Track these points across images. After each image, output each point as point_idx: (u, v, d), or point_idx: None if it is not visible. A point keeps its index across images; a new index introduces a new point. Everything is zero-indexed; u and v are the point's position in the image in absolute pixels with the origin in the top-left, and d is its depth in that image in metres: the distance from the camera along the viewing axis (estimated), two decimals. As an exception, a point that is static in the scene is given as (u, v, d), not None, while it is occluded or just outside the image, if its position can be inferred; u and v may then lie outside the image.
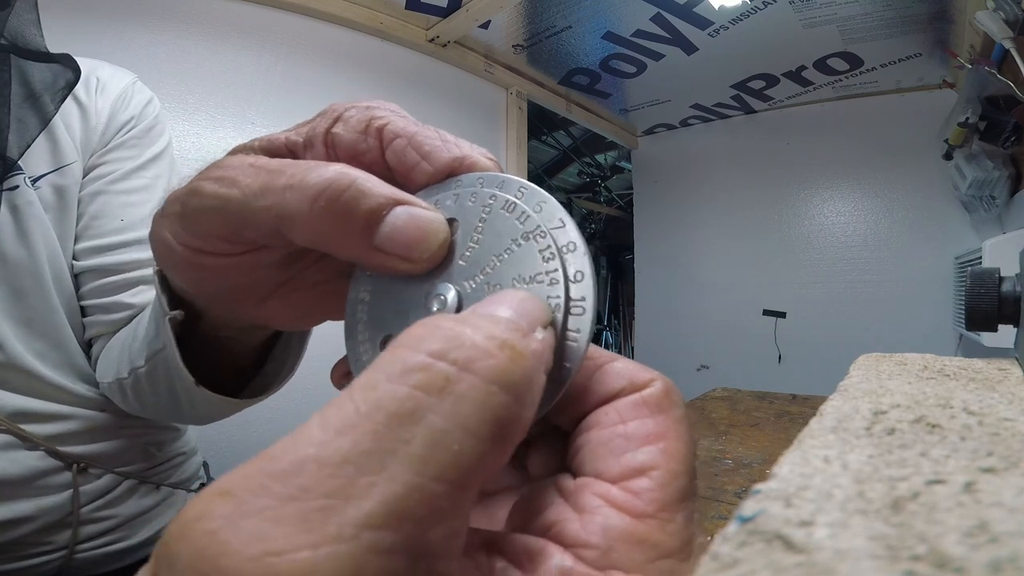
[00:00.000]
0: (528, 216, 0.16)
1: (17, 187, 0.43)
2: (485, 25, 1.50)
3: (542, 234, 0.16)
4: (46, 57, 0.43)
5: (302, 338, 0.29)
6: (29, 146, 0.42)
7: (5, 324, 0.43)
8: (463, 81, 1.68)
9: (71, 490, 0.46)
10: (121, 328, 0.46)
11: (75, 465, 0.45)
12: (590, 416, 0.15)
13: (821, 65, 1.75)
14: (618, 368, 0.15)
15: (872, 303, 1.93)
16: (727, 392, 1.04)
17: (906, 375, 0.25)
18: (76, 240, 0.47)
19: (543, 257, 0.15)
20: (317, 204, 0.15)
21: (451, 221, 0.17)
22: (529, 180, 0.17)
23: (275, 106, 1.26)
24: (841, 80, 1.85)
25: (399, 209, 0.15)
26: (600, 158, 3.60)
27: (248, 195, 0.16)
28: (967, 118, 1.37)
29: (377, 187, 0.15)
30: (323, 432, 0.10)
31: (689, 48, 1.65)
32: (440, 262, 0.16)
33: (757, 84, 1.93)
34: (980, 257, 1.30)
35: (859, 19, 1.47)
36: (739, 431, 0.79)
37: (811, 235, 2.08)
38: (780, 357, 2.10)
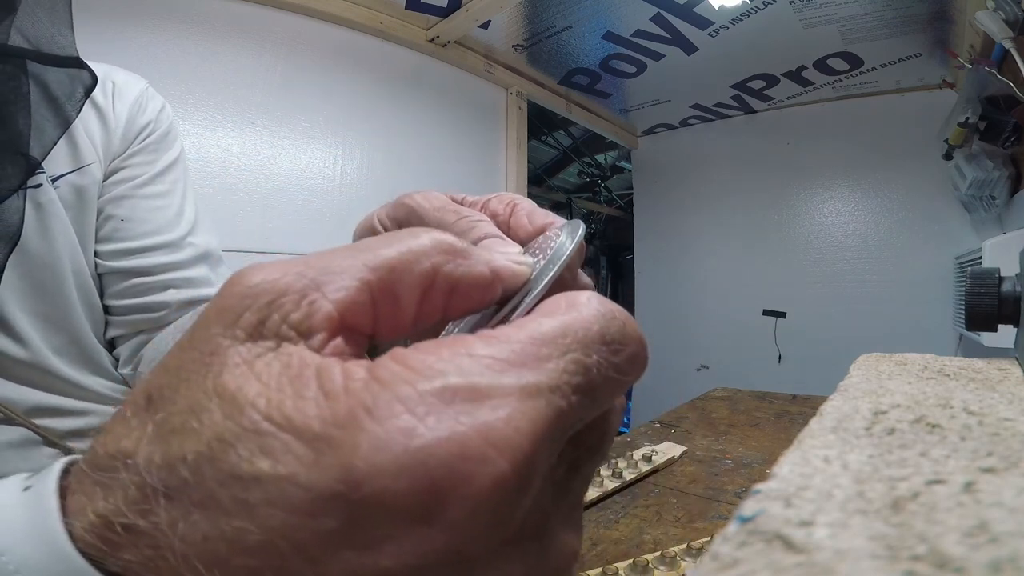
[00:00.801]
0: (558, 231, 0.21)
1: (40, 185, 0.44)
2: (485, 25, 1.50)
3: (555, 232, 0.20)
4: (61, 62, 0.44)
5: None
6: (51, 148, 0.42)
7: (25, 319, 0.44)
8: (463, 81, 1.68)
9: None
10: (148, 328, 0.48)
11: None
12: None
13: (821, 65, 1.75)
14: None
15: (872, 303, 1.93)
16: (727, 392, 1.04)
17: (906, 375, 0.25)
18: (103, 242, 0.49)
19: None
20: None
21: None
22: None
23: (275, 106, 1.26)
24: (841, 80, 1.85)
25: (490, 240, 0.20)
26: (600, 158, 3.60)
27: (424, 210, 0.22)
28: (967, 118, 1.37)
29: (485, 227, 0.20)
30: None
31: (689, 48, 1.65)
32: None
33: (757, 84, 1.93)
34: (980, 257, 1.30)
35: (859, 19, 1.47)
36: (739, 431, 0.79)
37: (811, 235, 2.08)
38: (780, 357, 2.10)
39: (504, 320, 0.16)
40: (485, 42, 1.64)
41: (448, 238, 0.14)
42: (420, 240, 0.14)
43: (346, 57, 1.39)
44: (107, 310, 0.49)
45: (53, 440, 0.44)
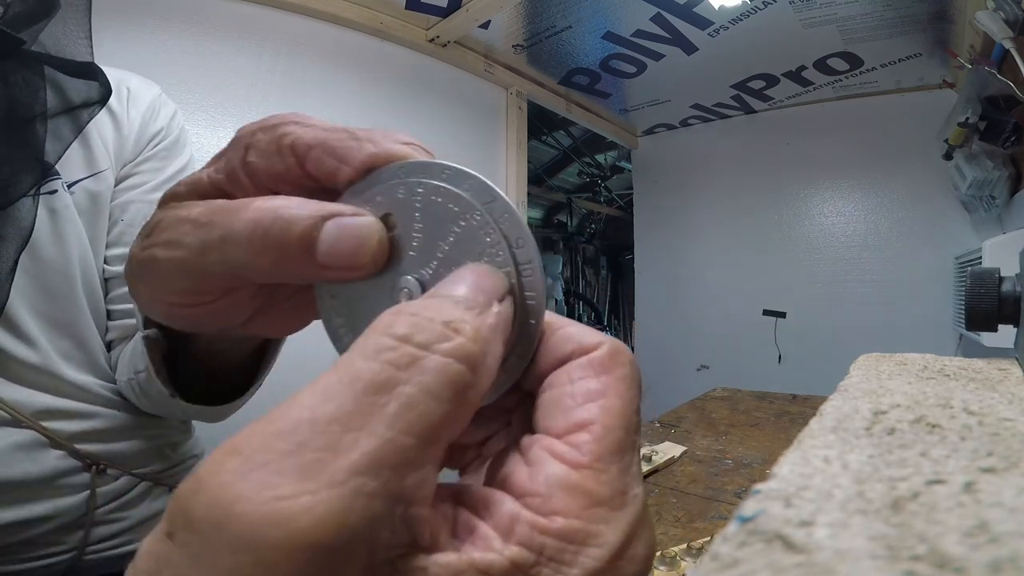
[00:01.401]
0: (459, 197, 0.17)
1: (55, 191, 0.45)
2: (485, 25, 1.50)
3: (478, 212, 0.17)
4: (78, 69, 0.44)
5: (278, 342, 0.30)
6: (64, 153, 0.43)
7: (35, 323, 0.44)
8: (463, 81, 1.68)
9: (88, 491, 0.46)
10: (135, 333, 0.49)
11: (94, 467, 0.46)
12: (547, 379, 0.16)
13: (821, 65, 1.75)
14: (570, 332, 0.17)
15: (872, 303, 1.93)
16: (727, 392, 1.04)
17: (906, 375, 0.25)
18: (109, 246, 0.50)
19: (484, 232, 0.17)
20: (253, 247, 0.16)
21: (387, 216, 0.17)
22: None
23: (275, 106, 1.26)
24: (841, 80, 1.85)
25: (328, 225, 0.16)
26: (600, 158, 3.60)
27: (195, 253, 0.17)
28: (967, 118, 1.37)
29: (299, 210, 0.16)
30: (312, 399, 0.12)
31: (689, 48, 1.65)
32: (387, 259, 0.17)
33: (757, 84, 1.93)
34: (980, 257, 1.30)
35: (859, 19, 1.47)
36: (739, 431, 0.79)
37: (811, 235, 2.08)
38: (780, 357, 2.10)
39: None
40: (485, 42, 1.64)
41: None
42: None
43: (346, 57, 1.39)
44: (108, 314, 0.50)
45: (60, 442, 0.45)
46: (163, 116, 0.54)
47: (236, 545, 0.10)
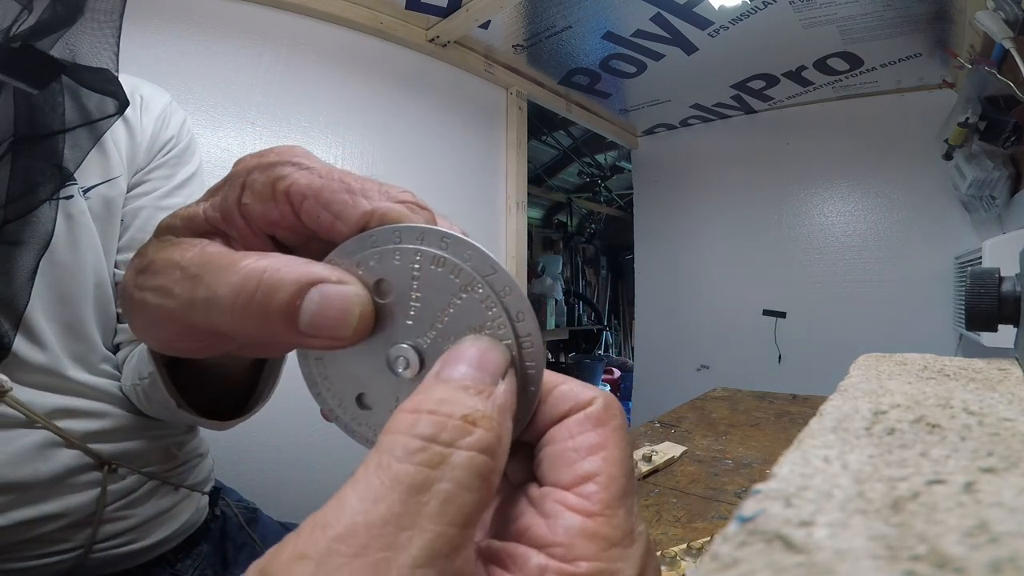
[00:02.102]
0: (460, 269, 0.17)
1: (72, 196, 0.46)
2: (485, 25, 1.50)
3: (480, 284, 0.17)
4: (96, 79, 0.45)
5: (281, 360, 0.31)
6: (82, 161, 0.44)
7: (48, 326, 0.45)
8: (463, 81, 1.68)
9: (98, 489, 0.47)
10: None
11: (106, 466, 0.47)
12: (547, 433, 0.18)
13: (821, 65, 1.75)
14: (565, 390, 0.18)
15: (872, 303, 1.93)
16: (727, 392, 1.04)
17: (906, 375, 0.25)
18: (119, 251, 0.51)
19: (485, 306, 0.17)
20: (235, 314, 0.16)
21: (380, 282, 0.17)
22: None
23: (275, 106, 1.26)
24: (841, 80, 1.85)
25: (312, 292, 0.16)
26: (600, 158, 3.60)
27: (183, 306, 0.17)
28: (967, 118, 1.37)
29: (286, 273, 0.16)
30: (361, 503, 0.13)
31: (689, 48, 1.65)
32: (375, 327, 0.17)
33: (757, 84, 1.93)
34: (980, 257, 1.30)
35: (859, 19, 1.47)
36: (739, 431, 0.79)
37: (811, 235, 2.08)
38: (780, 357, 2.10)
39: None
40: (485, 42, 1.64)
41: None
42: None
43: (346, 57, 1.39)
44: (117, 317, 0.51)
45: (73, 441, 0.45)
46: (174, 123, 0.55)
47: None
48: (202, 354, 0.20)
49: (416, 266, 0.17)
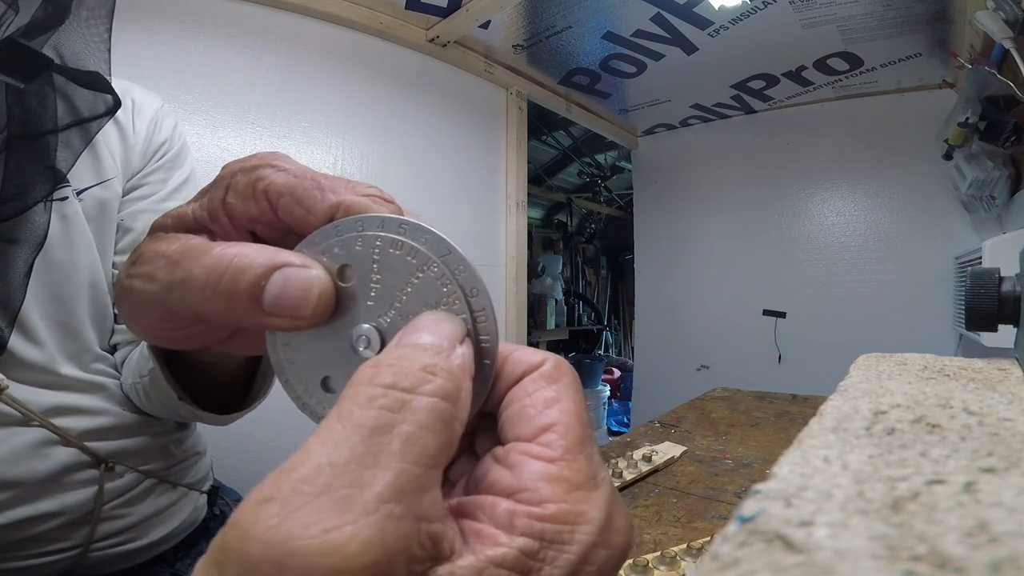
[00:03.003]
0: (417, 251, 0.18)
1: (66, 198, 0.46)
2: (485, 25, 1.50)
3: (435, 263, 0.18)
4: (88, 79, 0.46)
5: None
6: (75, 162, 0.45)
7: (43, 324, 0.46)
8: (463, 81, 1.68)
9: (95, 487, 0.47)
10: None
11: (103, 464, 0.47)
12: (506, 396, 0.19)
13: (821, 65, 1.75)
14: (518, 356, 0.19)
15: (872, 303, 1.93)
16: (727, 392, 1.04)
17: (906, 375, 0.25)
18: (120, 253, 0.52)
19: (440, 283, 0.18)
20: (206, 293, 0.18)
21: (343, 268, 0.19)
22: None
23: (275, 106, 1.26)
24: (841, 80, 1.85)
25: (275, 275, 0.17)
26: (600, 158, 3.60)
27: (164, 289, 0.18)
28: (967, 118, 1.37)
29: (254, 258, 0.18)
30: (323, 447, 0.13)
31: (689, 48, 1.65)
32: (336, 309, 0.19)
33: (757, 84, 1.93)
34: (980, 257, 1.30)
35: (859, 19, 1.47)
36: (739, 431, 0.79)
37: (811, 235, 2.08)
38: (780, 357, 2.10)
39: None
40: (485, 42, 1.64)
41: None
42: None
43: (346, 57, 1.39)
44: (115, 317, 0.52)
45: (70, 439, 0.45)
46: (166, 127, 0.56)
47: None
48: (186, 344, 0.21)
49: (376, 251, 0.18)
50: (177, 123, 0.57)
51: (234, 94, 1.20)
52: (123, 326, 0.52)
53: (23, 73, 0.40)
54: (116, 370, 0.52)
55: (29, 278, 0.42)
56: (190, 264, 0.18)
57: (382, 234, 0.18)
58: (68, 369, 0.47)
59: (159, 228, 0.20)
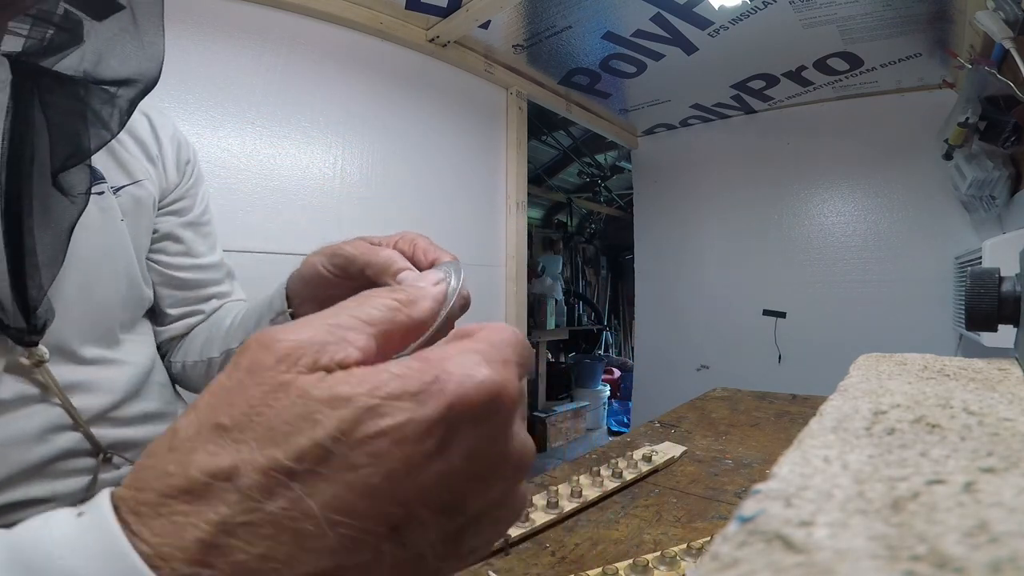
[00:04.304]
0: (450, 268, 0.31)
1: (103, 192, 0.49)
2: (485, 25, 1.50)
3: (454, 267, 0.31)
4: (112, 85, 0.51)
5: None
6: (94, 152, 0.48)
7: (72, 301, 0.47)
8: (463, 81, 1.68)
9: (90, 477, 0.47)
10: (191, 328, 0.60)
11: (102, 454, 0.48)
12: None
13: (821, 65, 1.75)
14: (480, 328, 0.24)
15: (872, 303, 1.93)
16: (727, 392, 1.04)
17: (906, 375, 0.25)
18: (175, 255, 0.58)
19: (447, 273, 0.30)
20: (372, 271, 0.36)
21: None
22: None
23: (275, 106, 1.26)
24: (841, 80, 1.85)
25: (404, 273, 0.34)
26: (600, 158, 3.60)
27: (355, 256, 0.37)
28: (967, 118, 1.37)
29: (400, 263, 0.35)
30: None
31: (689, 48, 1.65)
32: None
33: (757, 84, 1.93)
34: (980, 257, 1.30)
35: (859, 19, 1.47)
36: (739, 431, 0.79)
37: (811, 235, 2.08)
38: (780, 357, 2.10)
39: (425, 343, 0.24)
40: (485, 42, 1.64)
41: (398, 296, 0.21)
42: (384, 301, 0.21)
43: (346, 57, 1.39)
44: (164, 313, 0.59)
45: (80, 423, 0.46)
46: (185, 146, 0.61)
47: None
48: (327, 290, 0.40)
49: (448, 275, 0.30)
50: (190, 141, 0.63)
51: (234, 94, 1.20)
52: (174, 319, 0.59)
53: (97, 10, 0.45)
54: (162, 357, 0.58)
55: (67, 250, 0.44)
56: (371, 253, 0.36)
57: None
58: (91, 348, 0.49)
59: (361, 239, 0.38)
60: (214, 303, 0.61)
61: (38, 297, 0.42)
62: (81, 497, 0.47)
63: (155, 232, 0.57)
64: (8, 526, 0.38)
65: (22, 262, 0.41)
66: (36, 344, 0.43)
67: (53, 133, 0.43)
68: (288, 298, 0.45)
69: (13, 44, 0.41)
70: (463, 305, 0.30)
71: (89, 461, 0.48)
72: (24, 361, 0.43)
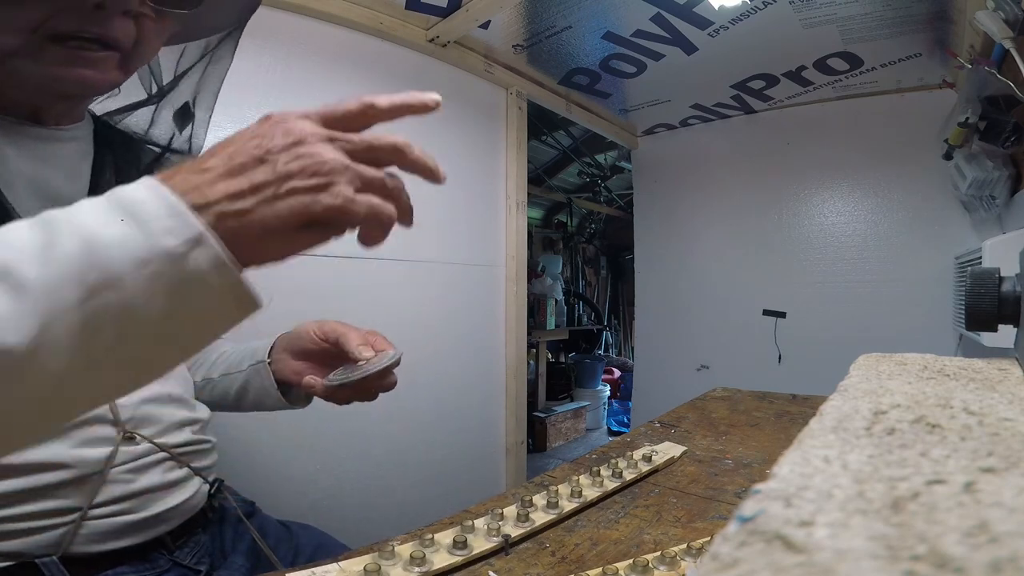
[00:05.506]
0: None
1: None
2: (485, 25, 1.50)
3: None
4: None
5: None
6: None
7: None
8: (463, 81, 1.68)
9: (111, 448, 0.49)
10: None
11: (123, 430, 0.51)
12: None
13: (821, 65, 1.75)
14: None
15: (872, 303, 1.93)
16: (727, 392, 1.04)
17: (906, 375, 0.25)
18: None
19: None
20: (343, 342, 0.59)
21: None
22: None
23: (275, 106, 1.25)
24: (841, 80, 1.85)
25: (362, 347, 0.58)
26: (600, 158, 3.60)
27: (336, 330, 0.59)
28: (967, 118, 1.36)
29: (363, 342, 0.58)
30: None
31: (689, 48, 1.65)
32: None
33: (757, 84, 1.93)
34: (980, 257, 1.30)
35: (859, 19, 1.47)
36: (739, 431, 0.79)
37: (811, 235, 2.08)
38: (780, 357, 2.10)
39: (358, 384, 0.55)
40: (485, 42, 1.64)
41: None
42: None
43: (346, 57, 1.39)
44: None
45: None
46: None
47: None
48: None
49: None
50: None
51: (234, 94, 1.20)
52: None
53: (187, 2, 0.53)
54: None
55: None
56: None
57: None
58: None
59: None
60: None
61: None
62: (99, 468, 0.49)
63: None
64: (28, 492, 0.45)
65: None
66: None
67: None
68: (271, 348, 0.62)
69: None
70: (393, 367, 0.54)
71: (111, 431, 0.50)
72: None
